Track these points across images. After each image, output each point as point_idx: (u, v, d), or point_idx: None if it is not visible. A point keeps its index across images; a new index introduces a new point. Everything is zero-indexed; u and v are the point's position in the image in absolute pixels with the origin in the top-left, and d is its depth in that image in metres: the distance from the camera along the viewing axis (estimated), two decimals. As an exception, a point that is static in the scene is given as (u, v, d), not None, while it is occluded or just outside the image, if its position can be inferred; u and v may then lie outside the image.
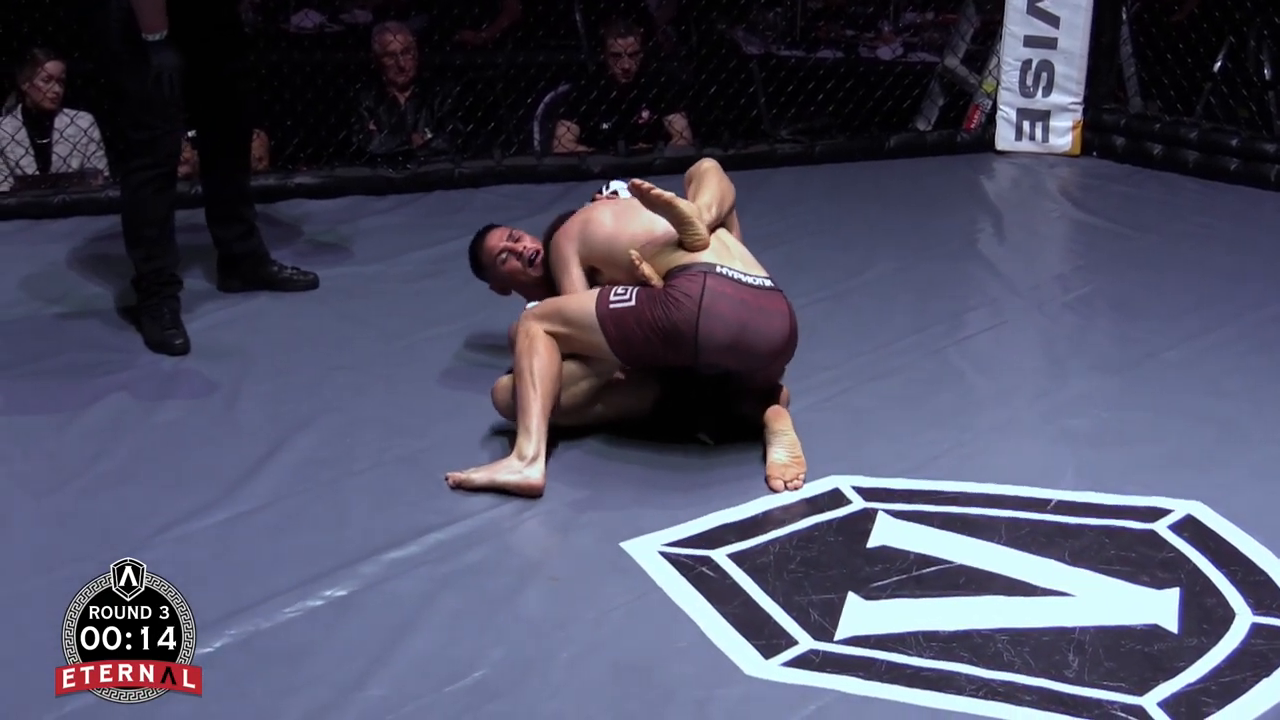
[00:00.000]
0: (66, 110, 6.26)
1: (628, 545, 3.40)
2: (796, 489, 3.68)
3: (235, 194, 5.01)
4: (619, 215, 4.02)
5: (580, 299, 3.88)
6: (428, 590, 3.22)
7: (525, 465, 3.65)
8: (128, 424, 4.05)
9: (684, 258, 3.82)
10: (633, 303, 3.78)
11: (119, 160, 6.06)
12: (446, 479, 3.68)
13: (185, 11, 4.47)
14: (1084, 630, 3.08)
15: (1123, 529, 3.50)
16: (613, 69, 6.87)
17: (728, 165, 6.84)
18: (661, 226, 3.89)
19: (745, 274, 3.80)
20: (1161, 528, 3.50)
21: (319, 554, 3.36)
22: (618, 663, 2.98)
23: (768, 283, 3.84)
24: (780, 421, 3.84)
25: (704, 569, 3.31)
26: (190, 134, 5.03)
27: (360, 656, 2.97)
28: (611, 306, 3.79)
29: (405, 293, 5.07)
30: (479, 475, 3.67)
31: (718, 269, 3.76)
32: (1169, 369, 4.47)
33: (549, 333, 3.80)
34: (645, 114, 6.92)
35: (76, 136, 6.23)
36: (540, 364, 3.75)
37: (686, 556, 3.36)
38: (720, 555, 3.37)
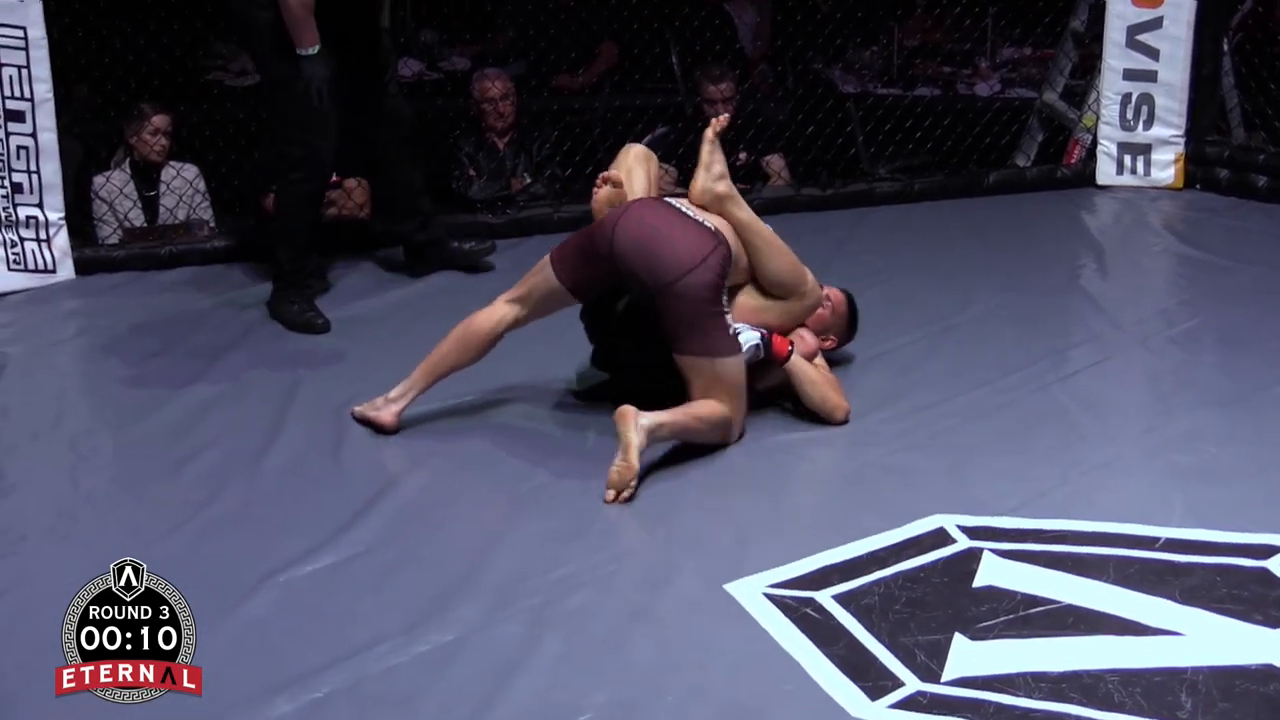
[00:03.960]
0: (173, 163, 6.36)
1: (731, 587, 3.39)
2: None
3: (408, 189, 5.57)
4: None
5: (538, 268, 4.34)
6: (532, 634, 3.22)
7: (385, 403, 4.26)
8: (235, 470, 4.10)
9: None
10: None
11: (228, 202, 6.55)
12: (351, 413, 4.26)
13: (337, 29, 4.92)
14: (1197, 670, 3.03)
15: (1234, 567, 3.44)
16: (707, 114, 6.88)
17: (827, 205, 6.84)
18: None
19: (686, 209, 4.16)
20: (1275, 565, 3.44)
21: (424, 598, 3.37)
22: (724, 706, 2.97)
23: (708, 224, 4.11)
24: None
25: (809, 610, 3.29)
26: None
27: (467, 702, 2.98)
28: (554, 249, 4.30)
29: (506, 338, 5.09)
30: (357, 409, 4.31)
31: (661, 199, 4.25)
32: (1277, 403, 4.41)
33: (511, 300, 4.33)
34: (743, 155, 6.92)
35: (182, 188, 6.33)
36: (459, 328, 4.30)
37: (791, 598, 3.34)
38: (825, 596, 3.35)
